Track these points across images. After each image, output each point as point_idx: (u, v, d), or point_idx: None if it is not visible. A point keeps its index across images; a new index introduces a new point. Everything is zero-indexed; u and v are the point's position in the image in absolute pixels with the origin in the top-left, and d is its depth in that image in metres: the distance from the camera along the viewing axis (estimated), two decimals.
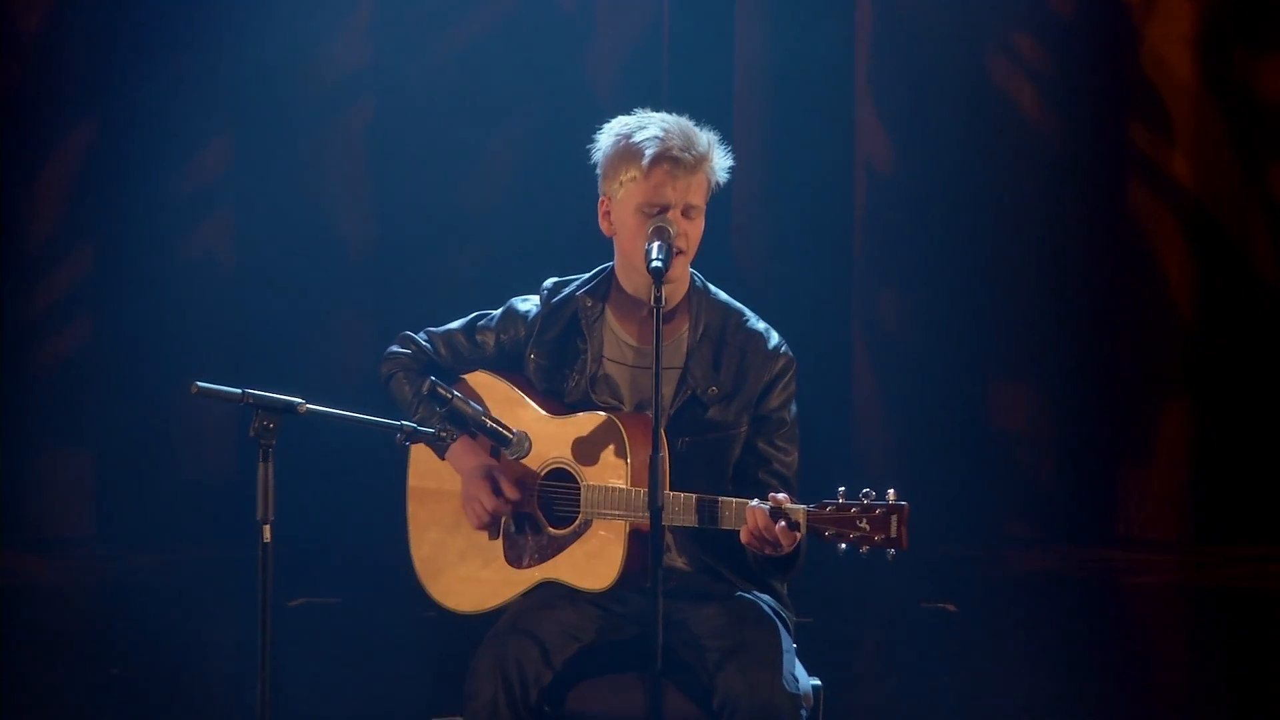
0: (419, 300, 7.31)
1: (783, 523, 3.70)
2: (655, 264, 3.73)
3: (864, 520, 3.70)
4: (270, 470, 3.65)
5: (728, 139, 3.94)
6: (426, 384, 3.84)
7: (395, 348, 4.14)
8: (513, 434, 3.83)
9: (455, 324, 4.13)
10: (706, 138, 3.85)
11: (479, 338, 4.09)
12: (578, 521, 3.91)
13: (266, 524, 3.63)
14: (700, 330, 3.97)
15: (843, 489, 3.72)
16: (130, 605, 6.86)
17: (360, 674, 6.08)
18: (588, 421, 3.90)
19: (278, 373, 6.74)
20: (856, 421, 7.51)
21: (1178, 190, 7.47)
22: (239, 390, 3.68)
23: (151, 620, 6.65)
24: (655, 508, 3.66)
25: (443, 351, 4.10)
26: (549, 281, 4.07)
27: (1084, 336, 7.41)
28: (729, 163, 3.90)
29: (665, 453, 3.72)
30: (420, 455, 4.02)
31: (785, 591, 4.02)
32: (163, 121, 7.31)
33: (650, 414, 3.84)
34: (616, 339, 3.98)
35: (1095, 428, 7.40)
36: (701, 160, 3.84)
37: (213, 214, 7.44)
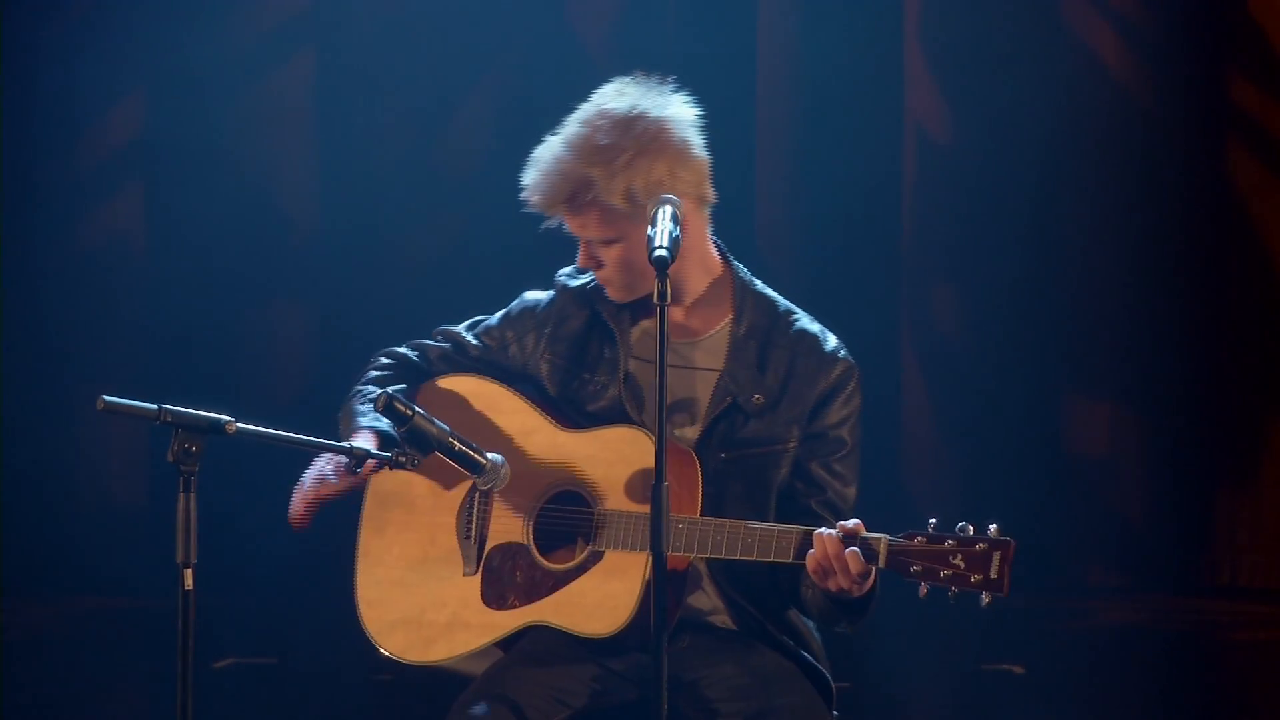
0: (374, 294, 7.32)
1: (856, 550, 3.72)
2: (658, 253, 3.74)
3: (959, 556, 3.71)
4: (193, 503, 3.68)
5: (748, 100, 3.97)
6: (383, 397, 3.86)
7: (379, 358, 4.17)
8: (485, 459, 3.85)
9: (454, 328, 4.16)
10: (583, 169, 3.95)
11: (485, 340, 4.11)
12: (584, 554, 3.91)
13: (188, 568, 3.67)
14: (744, 328, 3.97)
15: (934, 520, 3.73)
16: (25, 665, 6.88)
17: None
18: (610, 436, 3.92)
19: (202, 384, 6.78)
20: (904, 443, 7.52)
21: None
22: (154, 406, 3.71)
23: (49, 683, 6.67)
24: (658, 550, 3.68)
25: (438, 364, 4.12)
26: (565, 271, 4.09)
27: (1178, 342, 7.41)
28: (652, 172, 3.95)
29: (668, 482, 3.74)
30: (383, 474, 4.04)
31: (821, 647, 4.05)
32: (59, 72, 7.35)
33: (680, 433, 3.86)
34: (645, 332, 3.99)
35: (1192, 453, 7.40)
36: (567, 202, 3.98)
37: (121, 189, 7.48)
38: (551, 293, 4.13)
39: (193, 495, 3.68)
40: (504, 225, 7.20)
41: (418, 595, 4.03)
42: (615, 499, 3.89)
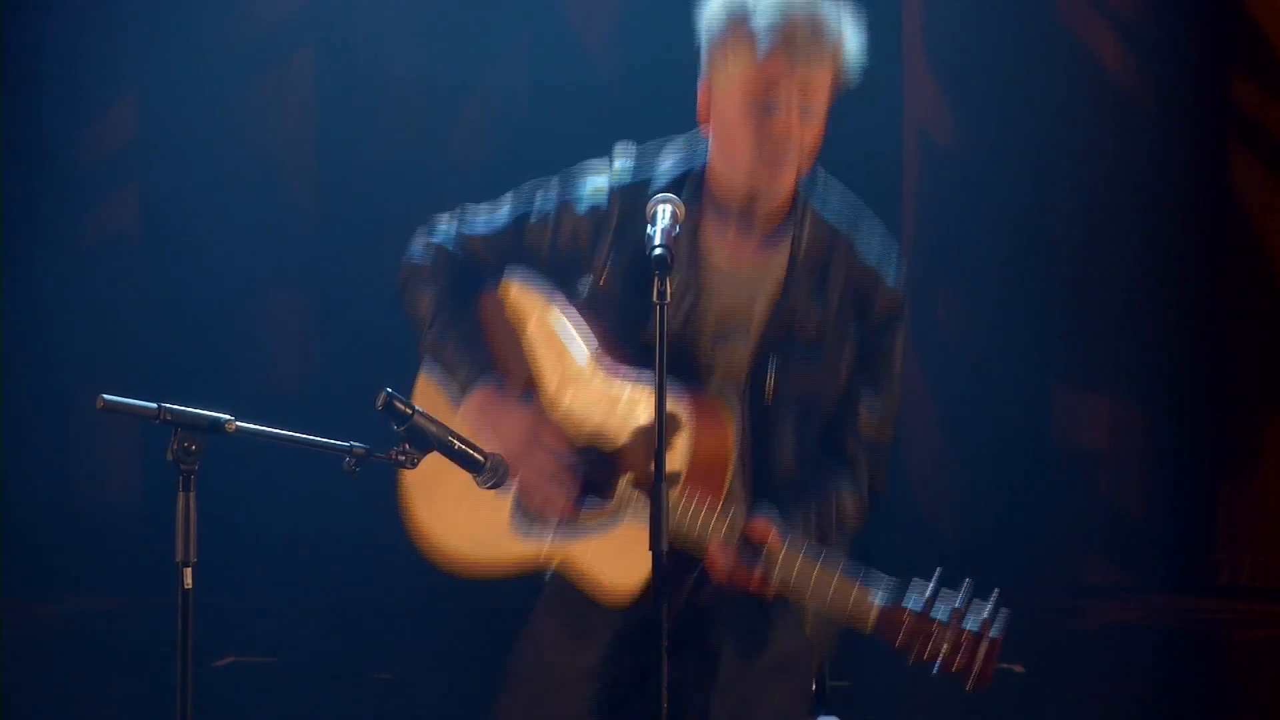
0: (370, 293, 7.33)
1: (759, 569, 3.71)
2: (657, 251, 3.71)
3: (945, 640, 3.70)
4: (192, 501, 3.68)
5: None
6: (382, 397, 3.84)
7: (416, 255, 4.09)
8: (485, 458, 3.85)
9: (499, 219, 4.04)
10: (840, 26, 3.83)
11: (531, 241, 4.00)
12: (610, 508, 3.90)
13: (187, 567, 3.67)
14: (804, 250, 3.92)
15: (940, 570, 3.70)
16: (24, 664, 6.90)
17: None
18: (646, 389, 3.84)
19: (200, 383, 6.79)
20: (904, 440, 7.53)
21: None
22: (154, 405, 3.71)
23: (49, 682, 6.69)
24: (657, 549, 3.65)
25: (484, 255, 4.03)
26: (623, 162, 3.99)
27: (1179, 339, 7.44)
28: (862, 63, 3.86)
29: (699, 436, 3.73)
30: (427, 381, 4.00)
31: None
32: (55, 78, 7.38)
33: (720, 397, 3.82)
34: (705, 258, 3.94)
35: (1190, 449, 7.43)
36: (828, 52, 3.82)
37: (116, 190, 7.53)
38: (605, 186, 4.00)
39: (192, 494, 3.69)
40: None
41: (467, 525, 3.99)
42: (640, 460, 3.84)
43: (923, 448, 7.53)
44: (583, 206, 3.99)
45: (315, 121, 7.51)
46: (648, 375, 3.80)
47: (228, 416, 3.72)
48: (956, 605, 3.68)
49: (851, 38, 3.87)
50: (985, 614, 3.69)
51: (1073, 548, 7.34)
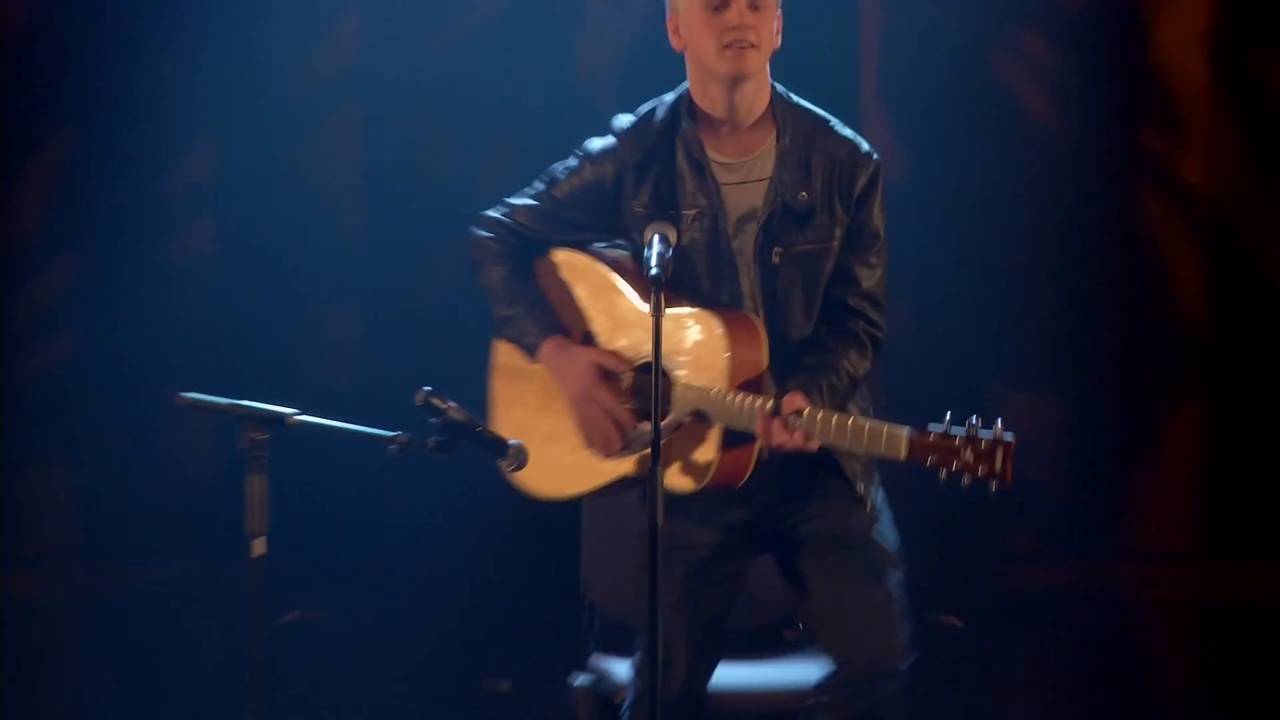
0: (413, 309, 7.34)
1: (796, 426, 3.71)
2: (653, 271, 3.71)
3: (969, 451, 3.69)
4: (260, 483, 3.70)
5: None
6: (420, 395, 3.83)
7: (480, 232, 4.08)
8: (509, 445, 3.84)
9: (534, 189, 4.05)
10: None
11: (562, 195, 4.01)
12: (669, 420, 3.86)
13: (256, 538, 3.68)
14: (787, 139, 3.92)
15: (949, 414, 3.71)
16: (119, 620, 6.87)
17: (354, 689, 6.10)
18: (684, 317, 3.85)
19: (268, 384, 6.81)
20: None
21: (1190, 194, 7.49)
22: (227, 401, 3.72)
23: (141, 634, 6.67)
24: (653, 524, 3.64)
25: (532, 225, 4.03)
26: (622, 119, 4.00)
27: (1093, 344, 7.40)
28: None
29: (733, 353, 3.76)
30: (503, 347, 3.97)
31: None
32: (141, 126, 7.34)
33: (751, 315, 3.82)
34: (711, 164, 3.93)
35: (1103, 438, 7.40)
36: None
37: (197, 219, 7.47)
38: (612, 139, 4.03)
39: (260, 476, 3.70)
40: None
41: (538, 436, 3.95)
42: (688, 374, 3.83)
43: None
44: (596, 150, 4.00)
45: (362, 162, 7.49)
46: (684, 305, 3.80)
47: (290, 411, 3.74)
48: (972, 422, 3.69)
49: None
50: (997, 427, 3.70)
51: (1001, 520, 7.29)
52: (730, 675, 4.18)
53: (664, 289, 3.64)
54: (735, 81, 3.87)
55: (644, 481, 3.85)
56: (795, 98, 3.96)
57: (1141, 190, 7.44)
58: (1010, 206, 7.45)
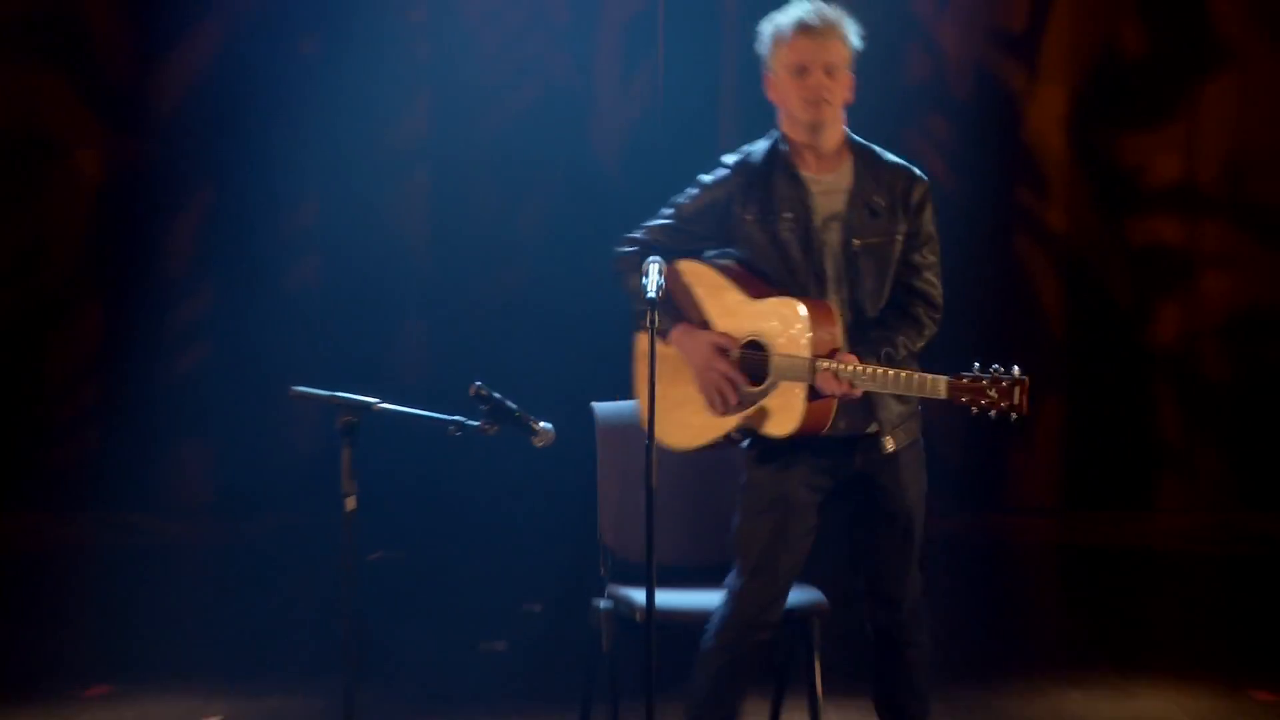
0: (467, 320, 7.30)
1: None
2: (650, 294, 3.71)
3: (994, 390, 3.66)
4: (351, 454, 3.69)
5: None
6: (473, 388, 3.78)
7: (623, 249, 4.00)
8: (537, 426, 3.81)
9: (667, 211, 3.98)
10: (836, 14, 3.89)
11: (689, 215, 3.95)
12: (768, 383, 3.86)
13: (349, 496, 3.68)
14: (862, 163, 3.90)
15: (977, 363, 3.71)
16: (243, 559, 6.88)
17: (422, 609, 6.09)
18: (777, 305, 3.83)
19: (357, 377, 6.82)
20: None
21: (1052, 236, 7.47)
22: (326, 393, 3.72)
23: (260, 571, 6.67)
24: (649, 499, 3.62)
25: (663, 240, 3.97)
26: (729, 157, 3.97)
27: (982, 348, 7.26)
28: (859, 31, 3.90)
29: (815, 333, 3.75)
30: (643, 335, 3.90)
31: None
32: (265, 184, 7.30)
33: (830, 302, 3.80)
34: (804, 180, 3.89)
35: (989, 418, 7.36)
36: (834, 33, 3.86)
37: (305, 255, 7.43)
38: (726, 170, 3.93)
39: (352, 449, 3.68)
40: (560, 276, 7.30)
41: (671, 402, 3.90)
42: (780, 345, 3.82)
43: None
44: (712, 180, 3.99)
45: (429, 210, 7.48)
46: (779, 295, 3.83)
47: (375, 399, 3.73)
48: (994, 367, 3.67)
49: (849, 24, 3.91)
50: (1014, 370, 3.68)
51: None
52: (706, 599, 4.16)
53: (657, 308, 3.67)
54: (815, 128, 3.87)
55: (748, 432, 3.88)
56: (857, 137, 3.98)
57: (1016, 233, 7.41)
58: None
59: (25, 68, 7.26)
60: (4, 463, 7.26)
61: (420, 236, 7.44)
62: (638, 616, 3.95)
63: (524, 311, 7.30)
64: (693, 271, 3.95)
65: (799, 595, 4.11)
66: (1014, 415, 3.66)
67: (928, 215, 3.93)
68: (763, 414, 3.84)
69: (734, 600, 3.91)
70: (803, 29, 3.84)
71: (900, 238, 3.90)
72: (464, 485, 7.02)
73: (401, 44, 7.30)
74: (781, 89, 3.89)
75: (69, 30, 7.27)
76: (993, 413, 3.67)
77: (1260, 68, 7.32)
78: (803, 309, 3.82)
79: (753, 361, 3.85)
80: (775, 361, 3.82)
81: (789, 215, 3.86)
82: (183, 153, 7.33)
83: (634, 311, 3.93)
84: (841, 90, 3.89)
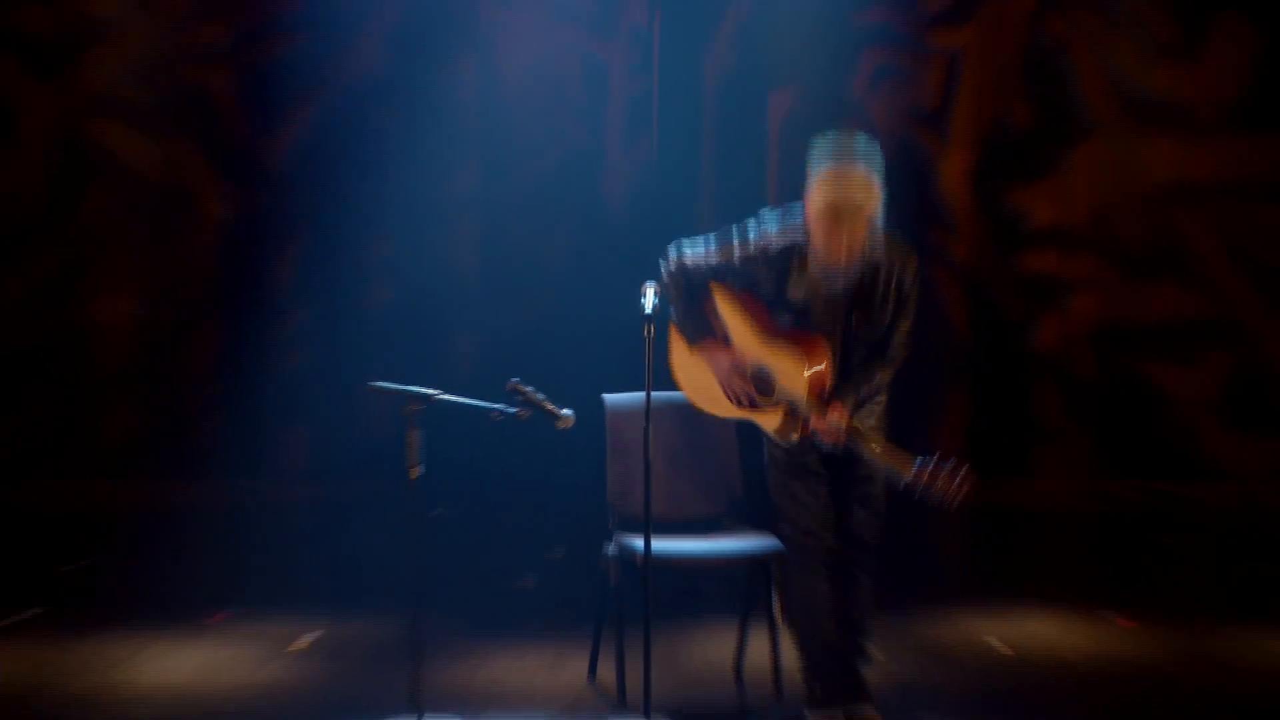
0: (510, 335, 7.27)
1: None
2: (646, 312, 3.66)
3: (938, 478, 3.53)
4: (416, 434, 3.65)
5: None
6: (510, 384, 3.74)
7: (669, 270, 3.87)
8: (560, 412, 3.77)
9: (715, 252, 3.83)
10: (869, 174, 3.61)
11: (724, 264, 3.81)
12: (774, 399, 3.77)
13: (413, 467, 3.63)
14: (870, 257, 3.70)
15: (926, 460, 3.57)
16: (332, 516, 6.85)
17: (472, 554, 6.06)
18: (782, 342, 3.75)
19: (422, 374, 6.79)
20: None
21: (958, 266, 7.45)
22: (397, 386, 3.68)
23: (345, 525, 6.65)
24: (646, 469, 3.56)
25: (704, 272, 3.85)
26: (773, 236, 3.77)
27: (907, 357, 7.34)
28: (880, 165, 3.64)
29: (818, 369, 3.66)
30: (680, 343, 3.88)
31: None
32: (351, 226, 7.28)
33: (822, 338, 3.68)
34: (818, 274, 3.73)
35: (910, 410, 7.29)
36: (863, 189, 3.60)
37: (381, 283, 7.37)
38: (762, 244, 3.76)
39: (417, 430, 3.65)
40: (581, 305, 7.33)
41: (706, 389, 3.88)
42: (781, 377, 3.75)
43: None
44: (741, 252, 3.83)
45: (478, 246, 7.47)
46: (786, 326, 3.71)
47: (434, 391, 3.69)
48: (935, 460, 3.54)
49: (877, 175, 3.66)
50: (949, 463, 3.55)
51: None
52: (690, 546, 4.11)
53: (653, 323, 3.63)
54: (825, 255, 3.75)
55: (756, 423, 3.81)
56: (874, 245, 3.76)
57: (931, 264, 7.30)
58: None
59: (168, 137, 7.28)
60: (151, 442, 7.25)
61: (470, 267, 7.42)
62: (638, 560, 3.92)
63: (550, 324, 7.29)
64: (726, 305, 3.88)
65: (761, 543, 4.08)
66: (951, 503, 3.58)
67: (913, 292, 3.83)
68: (771, 420, 3.79)
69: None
70: (833, 212, 3.57)
71: (889, 312, 3.80)
72: (503, 458, 6.99)
73: (457, 119, 7.30)
74: (811, 210, 3.64)
75: (200, 108, 7.29)
76: (937, 497, 3.59)
77: (1117, 137, 7.32)
78: (802, 350, 3.74)
79: (763, 386, 3.81)
80: (778, 389, 3.79)
81: (802, 290, 3.76)
82: (287, 201, 7.34)
83: (678, 320, 3.87)
84: (860, 233, 3.63)
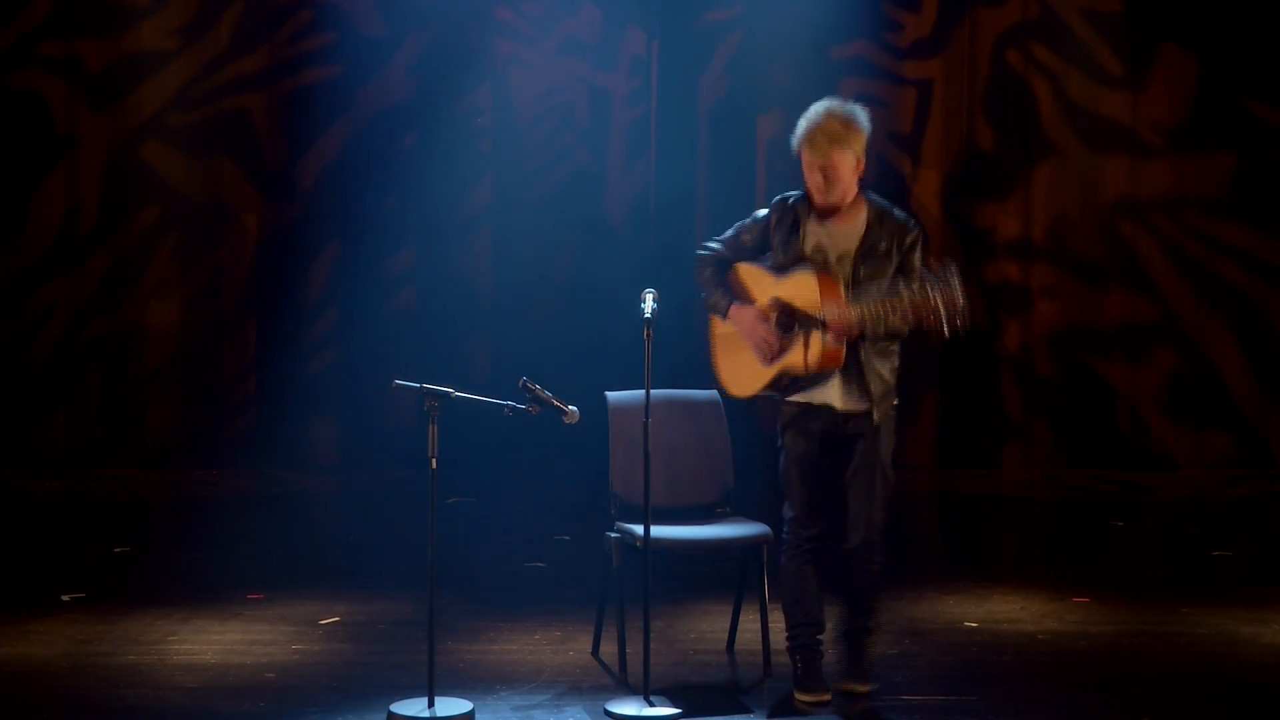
0: (520, 337, 7.23)
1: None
2: (646, 316, 3.63)
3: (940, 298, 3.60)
4: (436, 428, 3.62)
5: None
6: (521, 382, 3.73)
7: (701, 253, 3.88)
8: (567, 409, 3.75)
9: (731, 233, 3.86)
10: (842, 123, 3.66)
11: (744, 238, 3.85)
12: (796, 331, 3.74)
13: (433, 458, 3.61)
14: (874, 216, 3.75)
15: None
16: (358, 503, 6.81)
17: (486, 536, 6.02)
18: (799, 278, 3.74)
19: (440, 374, 6.77)
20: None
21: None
22: (419, 385, 3.65)
23: (369, 511, 6.60)
24: (645, 460, 3.52)
25: (727, 251, 3.87)
26: (778, 199, 3.82)
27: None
28: (865, 131, 3.68)
29: (825, 311, 3.64)
30: (717, 328, 3.86)
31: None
32: (376, 238, 7.22)
33: (833, 275, 3.66)
34: (817, 223, 3.76)
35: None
36: (833, 140, 3.65)
37: (402, 290, 7.31)
38: (769, 210, 3.80)
39: (436, 425, 3.62)
40: (584, 314, 7.30)
41: (738, 370, 3.85)
42: (798, 303, 3.71)
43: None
44: (762, 215, 3.87)
45: (491, 256, 7.44)
46: (796, 272, 3.71)
47: (451, 389, 3.66)
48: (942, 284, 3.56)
49: (855, 128, 3.69)
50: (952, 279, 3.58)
51: None
52: (687, 532, 4.07)
53: (652, 326, 3.60)
54: (820, 202, 3.75)
55: (785, 382, 3.78)
56: (873, 195, 3.84)
57: None
58: None
59: (209, 156, 7.25)
60: (193, 434, 7.20)
61: (484, 275, 7.37)
62: (638, 544, 3.89)
63: (557, 328, 7.26)
64: (745, 270, 3.87)
65: (753, 529, 4.05)
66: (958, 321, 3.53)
67: (917, 254, 3.82)
68: (796, 356, 3.74)
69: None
70: (808, 142, 3.69)
71: (893, 269, 3.77)
72: (515, 450, 6.96)
73: (472, 140, 7.26)
74: (804, 169, 3.74)
75: (239, 129, 7.25)
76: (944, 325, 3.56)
77: (1073, 157, 7.30)
78: (816, 281, 3.72)
79: (784, 321, 3.76)
80: (800, 315, 3.74)
81: (812, 242, 3.76)
82: (318, 215, 7.29)
83: (708, 300, 3.85)
84: (839, 188, 3.70)
